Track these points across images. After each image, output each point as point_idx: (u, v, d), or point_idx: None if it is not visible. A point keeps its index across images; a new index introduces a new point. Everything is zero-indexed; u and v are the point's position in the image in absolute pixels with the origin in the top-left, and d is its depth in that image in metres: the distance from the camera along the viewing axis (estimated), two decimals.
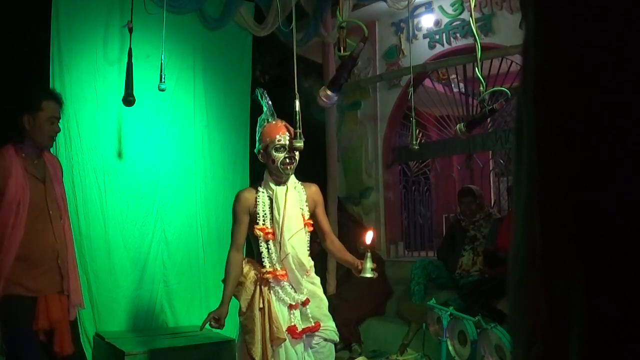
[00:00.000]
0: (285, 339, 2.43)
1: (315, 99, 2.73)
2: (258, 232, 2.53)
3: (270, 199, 2.55)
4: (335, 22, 4.12)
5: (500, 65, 5.08)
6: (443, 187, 7.01)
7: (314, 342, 2.55)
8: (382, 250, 5.58)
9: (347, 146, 6.07)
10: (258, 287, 2.50)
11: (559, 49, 0.54)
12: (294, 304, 2.51)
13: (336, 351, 2.76)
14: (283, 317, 2.48)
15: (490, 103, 3.43)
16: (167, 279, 4.26)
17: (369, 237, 2.43)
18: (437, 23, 5.41)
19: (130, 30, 3.20)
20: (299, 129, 2.48)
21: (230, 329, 3.93)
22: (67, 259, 2.66)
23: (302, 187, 2.64)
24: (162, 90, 3.34)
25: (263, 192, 2.57)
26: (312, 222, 2.63)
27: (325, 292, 4.55)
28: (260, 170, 2.70)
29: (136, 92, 3.21)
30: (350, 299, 4.51)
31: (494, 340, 2.97)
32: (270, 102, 2.63)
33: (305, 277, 2.57)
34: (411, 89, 3.95)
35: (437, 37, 5.41)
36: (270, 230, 2.53)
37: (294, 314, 2.50)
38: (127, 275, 4.06)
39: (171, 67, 4.15)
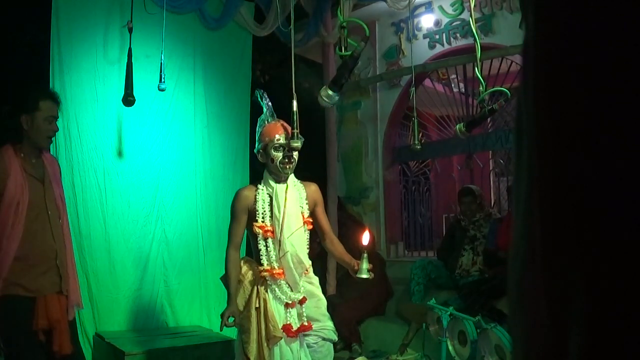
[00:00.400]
0: (281, 338, 2.43)
1: (316, 99, 2.73)
2: (257, 230, 2.53)
3: (270, 197, 2.56)
4: (336, 21, 4.12)
5: (500, 65, 5.08)
6: (443, 187, 7.01)
7: (312, 341, 2.55)
8: (382, 250, 5.59)
9: (347, 146, 6.07)
10: (255, 287, 2.50)
11: (559, 49, 0.54)
12: (290, 302, 2.51)
13: (336, 351, 2.77)
14: (279, 315, 2.48)
15: (490, 103, 3.43)
16: (168, 279, 4.26)
17: (365, 238, 2.43)
18: (437, 23, 5.41)
19: (130, 30, 3.20)
20: (297, 129, 2.48)
21: (230, 329, 3.93)
22: (66, 259, 2.66)
23: (302, 185, 2.65)
24: (162, 90, 3.34)
25: (263, 189, 2.58)
26: (311, 221, 2.63)
27: (325, 292, 4.57)
28: (261, 169, 2.71)
29: (136, 92, 3.21)
30: (350, 299, 4.52)
31: (494, 340, 2.97)
32: (270, 103, 2.64)
33: (303, 276, 2.57)
34: (413, 89, 3.95)
35: (437, 37, 5.41)
36: (269, 228, 2.53)
37: (290, 312, 2.51)
38: (127, 275, 4.06)
39: (171, 67, 4.15)
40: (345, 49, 2.57)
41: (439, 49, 5.41)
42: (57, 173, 2.77)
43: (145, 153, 4.23)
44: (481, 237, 4.40)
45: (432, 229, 6.62)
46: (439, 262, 4.62)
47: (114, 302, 3.98)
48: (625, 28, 0.49)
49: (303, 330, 2.51)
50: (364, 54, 2.75)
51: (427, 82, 5.88)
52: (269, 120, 2.62)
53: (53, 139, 2.75)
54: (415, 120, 3.80)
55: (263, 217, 2.54)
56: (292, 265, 2.50)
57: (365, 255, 2.42)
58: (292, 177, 2.63)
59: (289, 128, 2.57)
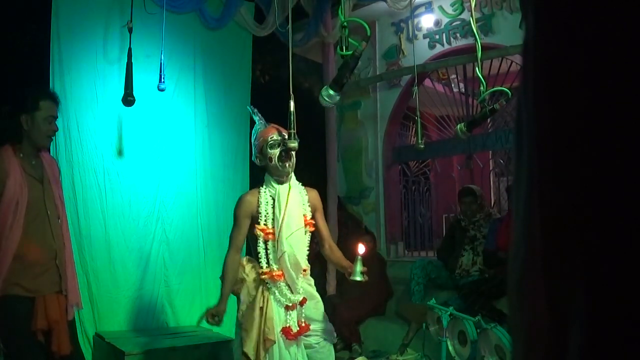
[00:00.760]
0: (274, 341, 2.43)
1: (316, 99, 2.74)
2: (258, 232, 2.54)
3: (273, 198, 2.56)
4: (336, 21, 4.12)
5: (500, 65, 5.08)
6: (443, 187, 7.01)
7: (314, 342, 2.56)
8: (382, 250, 5.59)
9: (347, 146, 6.07)
10: (260, 286, 2.52)
11: (559, 49, 0.54)
12: (290, 305, 2.51)
13: (336, 351, 2.77)
14: (279, 318, 2.49)
15: (491, 103, 3.43)
16: (168, 279, 4.26)
17: (361, 248, 2.46)
18: (437, 23, 5.41)
19: (130, 30, 3.20)
20: (294, 129, 2.49)
21: (230, 329, 3.93)
22: (65, 259, 2.66)
23: (304, 189, 2.67)
24: (162, 90, 3.34)
25: (265, 192, 2.59)
26: (313, 222, 2.63)
27: (325, 292, 4.58)
28: (261, 171, 2.72)
29: (136, 92, 3.21)
30: (350, 299, 4.51)
31: (494, 340, 2.96)
32: (261, 116, 2.69)
33: (301, 277, 2.57)
34: (415, 88, 3.95)
35: (437, 37, 5.41)
36: (270, 231, 2.53)
37: (290, 315, 2.51)
38: (127, 275, 4.07)
39: (171, 67, 4.15)
40: (347, 49, 2.57)
41: (439, 49, 5.41)
42: (56, 174, 2.78)
43: (145, 153, 4.23)
44: (481, 237, 4.40)
45: (432, 229, 6.62)
46: (439, 262, 4.62)
47: (114, 302, 3.97)
48: (625, 28, 0.49)
49: (302, 332, 2.51)
50: (364, 54, 2.75)
51: (427, 82, 5.88)
52: (263, 126, 2.66)
53: (53, 138, 2.75)
54: (419, 120, 3.80)
55: (265, 220, 2.55)
56: (289, 266, 2.50)
57: (359, 258, 2.43)
58: (294, 179, 2.64)
59: (283, 129, 2.59)
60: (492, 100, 4.45)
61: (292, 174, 2.64)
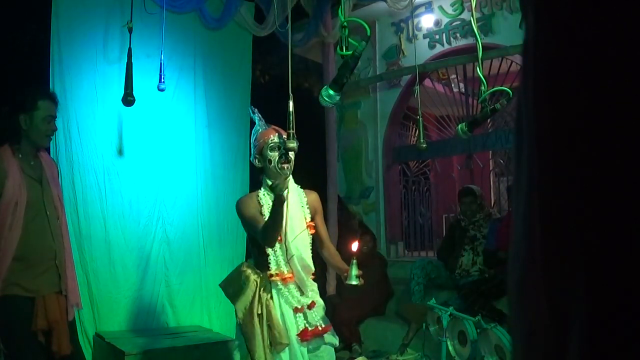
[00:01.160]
0: (287, 344, 2.42)
1: (316, 99, 2.73)
2: None
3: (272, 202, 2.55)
4: (336, 21, 4.12)
5: (500, 65, 5.08)
6: (443, 187, 7.01)
7: (312, 346, 2.55)
8: (382, 250, 5.58)
9: (347, 146, 6.07)
10: (257, 293, 2.49)
11: (559, 49, 0.54)
12: (299, 307, 2.50)
13: (336, 351, 2.76)
14: (290, 320, 2.47)
15: (491, 103, 3.43)
16: (169, 279, 4.26)
17: (354, 245, 2.44)
18: (437, 23, 5.41)
19: (130, 30, 3.20)
20: (293, 129, 2.48)
21: (231, 329, 3.93)
22: (65, 259, 2.66)
23: (302, 191, 2.66)
24: (162, 90, 3.34)
25: (265, 195, 2.58)
26: (314, 225, 2.62)
27: (325, 292, 4.58)
28: (260, 170, 2.71)
29: (136, 92, 3.21)
30: (350, 299, 4.51)
31: (494, 340, 2.96)
32: (261, 116, 2.67)
33: (310, 279, 2.57)
34: (417, 88, 3.94)
35: (437, 37, 5.41)
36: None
37: (299, 317, 2.50)
38: (128, 275, 4.06)
39: (171, 67, 4.15)
40: (346, 49, 2.57)
41: (439, 49, 5.41)
42: (55, 174, 2.78)
43: (145, 153, 4.23)
44: (481, 237, 4.40)
45: (432, 229, 6.62)
46: (439, 262, 4.62)
47: (114, 302, 3.97)
48: (625, 28, 0.49)
49: (317, 333, 2.50)
50: (364, 54, 2.74)
51: (427, 82, 5.88)
52: (262, 127, 2.65)
53: (53, 138, 2.75)
54: (421, 120, 3.79)
55: None
56: (299, 268, 2.49)
57: (355, 261, 2.41)
58: (291, 182, 2.62)
59: (282, 131, 2.58)
60: (492, 100, 4.45)
61: (290, 176, 2.62)
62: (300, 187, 2.68)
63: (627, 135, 0.49)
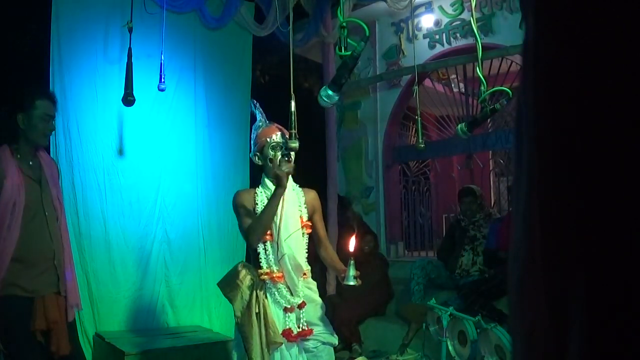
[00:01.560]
0: (281, 343, 2.42)
1: (316, 99, 2.73)
2: None
3: (269, 199, 2.55)
4: (336, 21, 4.12)
5: (500, 65, 5.08)
6: (443, 187, 7.01)
7: (312, 346, 2.54)
8: (382, 250, 5.58)
9: (347, 146, 6.07)
10: (254, 292, 2.49)
11: (559, 49, 0.54)
12: (289, 307, 2.50)
13: (336, 351, 2.75)
14: (278, 320, 2.47)
15: (491, 103, 3.43)
16: (169, 279, 4.26)
17: (351, 244, 2.43)
18: (437, 23, 5.41)
19: (130, 30, 3.19)
20: (295, 129, 2.48)
21: (231, 329, 3.93)
22: (64, 260, 2.66)
23: (301, 190, 2.65)
24: (162, 90, 3.34)
25: (262, 192, 2.58)
26: (310, 224, 2.62)
27: (325, 291, 4.57)
28: (260, 170, 2.70)
29: (136, 92, 3.21)
30: (350, 299, 4.51)
31: (494, 340, 2.96)
32: (262, 111, 2.66)
33: (301, 279, 2.55)
34: (416, 88, 3.95)
35: (437, 37, 5.41)
36: (268, 232, 2.52)
37: (289, 317, 2.49)
38: (128, 275, 4.06)
39: (171, 67, 4.15)
40: (345, 49, 2.56)
41: (439, 49, 5.41)
42: (55, 174, 2.77)
43: (145, 153, 4.23)
44: (481, 237, 4.40)
45: (432, 229, 6.62)
46: (439, 262, 4.62)
47: (114, 302, 3.97)
48: (625, 28, 0.49)
49: (303, 335, 2.50)
50: (364, 54, 2.75)
51: (427, 82, 5.89)
52: (264, 124, 2.63)
53: (52, 138, 2.74)
54: (419, 120, 3.80)
55: None
56: (290, 268, 2.48)
57: (352, 262, 2.40)
58: (290, 180, 2.62)
59: (285, 130, 2.57)
60: (492, 100, 4.45)
61: (290, 176, 2.62)
62: (300, 186, 2.67)
63: (627, 135, 0.49)
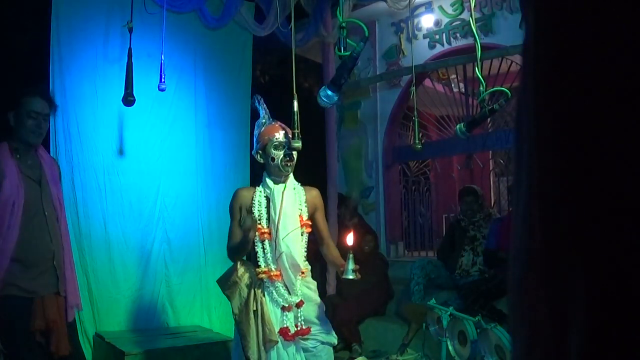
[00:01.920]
0: (277, 341, 2.42)
1: (316, 99, 2.73)
2: None
3: (267, 199, 2.55)
4: (336, 22, 4.12)
5: (500, 65, 5.08)
6: (443, 187, 7.01)
7: (310, 345, 2.54)
8: (382, 250, 5.58)
9: (347, 146, 6.07)
10: (252, 290, 2.50)
11: (559, 50, 0.54)
12: (287, 305, 2.50)
13: (336, 351, 2.76)
14: (276, 318, 2.48)
15: (490, 103, 3.43)
16: (170, 279, 4.26)
17: (350, 238, 2.42)
18: (437, 23, 5.41)
19: (130, 30, 3.19)
20: (297, 129, 2.48)
21: (231, 329, 3.93)
22: (64, 260, 2.65)
23: (302, 189, 2.65)
24: (162, 90, 3.34)
25: (261, 191, 2.58)
26: (310, 224, 2.62)
27: (325, 291, 4.57)
28: (261, 170, 2.71)
29: (136, 92, 3.21)
30: (350, 299, 4.51)
31: (494, 340, 2.97)
32: (266, 108, 2.65)
33: (299, 278, 2.55)
34: (413, 89, 3.95)
35: (437, 37, 5.41)
36: (266, 230, 2.53)
37: (286, 315, 2.49)
38: (128, 275, 4.07)
39: (172, 67, 4.15)
40: (345, 49, 2.57)
41: (439, 49, 5.41)
42: (56, 174, 2.76)
43: (145, 153, 4.23)
44: (481, 237, 4.40)
45: (432, 229, 6.62)
46: (439, 262, 4.62)
47: (114, 302, 3.97)
48: (624, 29, 0.49)
49: (301, 334, 2.50)
50: (364, 54, 2.75)
51: (427, 82, 5.88)
52: (268, 122, 2.63)
53: (52, 138, 2.73)
54: (416, 120, 3.80)
55: (259, 220, 2.54)
56: (287, 267, 2.49)
57: (351, 256, 2.40)
58: (291, 179, 2.62)
59: (288, 129, 2.57)
60: (491, 100, 4.45)
61: (291, 173, 2.63)
62: (301, 185, 2.67)
63: (627, 135, 0.49)
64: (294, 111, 2.49)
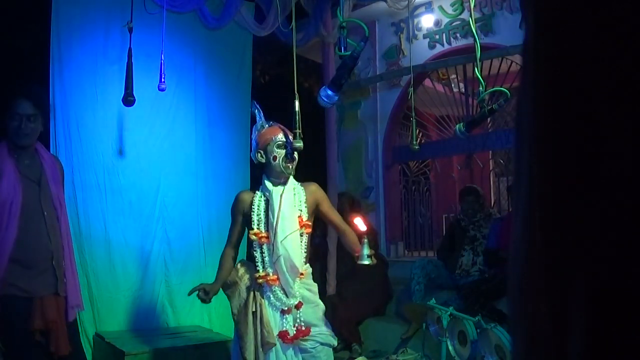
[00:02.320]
0: (275, 344, 2.42)
1: (316, 99, 2.73)
2: (253, 237, 2.55)
3: (266, 203, 2.55)
4: (336, 21, 4.12)
5: (500, 65, 5.08)
6: (443, 187, 7.01)
7: (310, 346, 2.54)
8: (382, 250, 5.58)
9: (347, 146, 6.07)
10: (252, 291, 2.50)
11: (559, 50, 0.54)
12: (286, 308, 2.50)
13: (336, 351, 2.76)
14: (275, 321, 2.48)
15: (490, 103, 3.43)
16: (169, 279, 4.26)
17: (361, 224, 2.39)
18: (437, 23, 5.41)
19: (130, 30, 3.19)
20: (299, 129, 2.48)
21: (231, 329, 3.93)
22: (63, 260, 2.65)
23: (302, 188, 2.64)
24: (162, 90, 3.34)
25: (261, 195, 2.58)
26: (310, 224, 2.61)
27: (325, 292, 4.57)
28: (260, 170, 2.71)
29: (136, 92, 3.21)
30: (350, 299, 4.51)
31: (494, 340, 2.96)
32: (262, 113, 2.67)
33: (298, 280, 2.54)
34: (411, 89, 3.95)
35: (437, 37, 5.41)
36: (264, 234, 2.53)
37: (286, 318, 2.49)
38: (128, 275, 4.06)
39: (171, 67, 4.14)
40: (345, 49, 2.57)
41: (439, 49, 5.41)
42: (57, 174, 2.75)
43: (145, 153, 4.23)
44: (481, 237, 4.40)
45: (432, 229, 6.62)
46: (439, 262, 4.62)
47: (114, 302, 3.97)
48: (624, 29, 0.49)
49: (300, 336, 2.50)
50: (363, 54, 2.75)
51: (427, 82, 5.88)
52: (267, 125, 2.64)
53: (52, 138, 2.72)
54: (414, 121, 3.80)
55: (258, 224, 2.54)
56: (285, 270, 2.48)
57: (366, 241, 2.37)
58: (291, 180, 2.62)
59: (288, 130, 2.58)
60: (491, 100, 4.45)
61: (291, 175, 2.63)
62: (299, 183, 2.66)
63: (627, 135, 0.49)
64: (295, 111, 2.49)
